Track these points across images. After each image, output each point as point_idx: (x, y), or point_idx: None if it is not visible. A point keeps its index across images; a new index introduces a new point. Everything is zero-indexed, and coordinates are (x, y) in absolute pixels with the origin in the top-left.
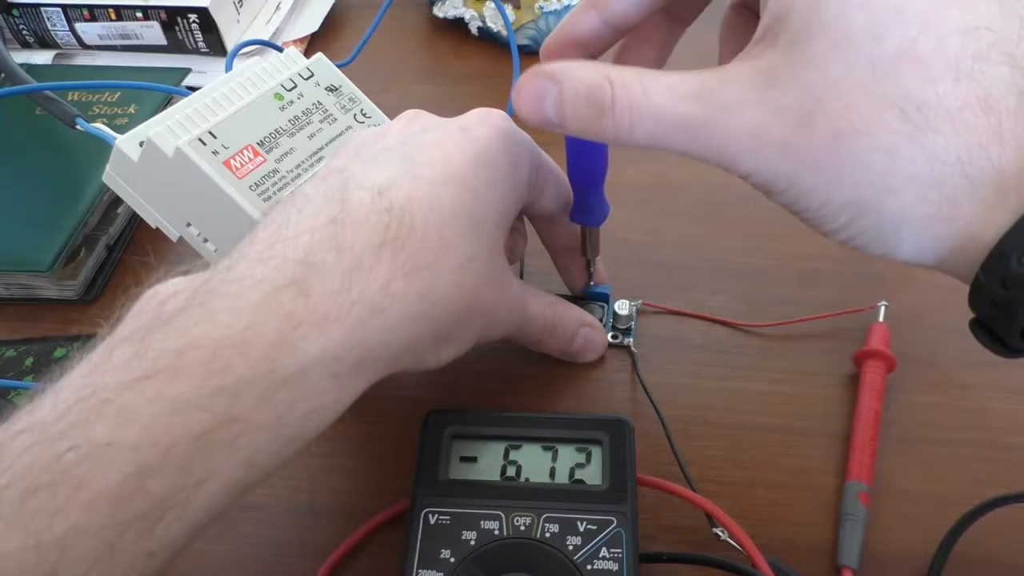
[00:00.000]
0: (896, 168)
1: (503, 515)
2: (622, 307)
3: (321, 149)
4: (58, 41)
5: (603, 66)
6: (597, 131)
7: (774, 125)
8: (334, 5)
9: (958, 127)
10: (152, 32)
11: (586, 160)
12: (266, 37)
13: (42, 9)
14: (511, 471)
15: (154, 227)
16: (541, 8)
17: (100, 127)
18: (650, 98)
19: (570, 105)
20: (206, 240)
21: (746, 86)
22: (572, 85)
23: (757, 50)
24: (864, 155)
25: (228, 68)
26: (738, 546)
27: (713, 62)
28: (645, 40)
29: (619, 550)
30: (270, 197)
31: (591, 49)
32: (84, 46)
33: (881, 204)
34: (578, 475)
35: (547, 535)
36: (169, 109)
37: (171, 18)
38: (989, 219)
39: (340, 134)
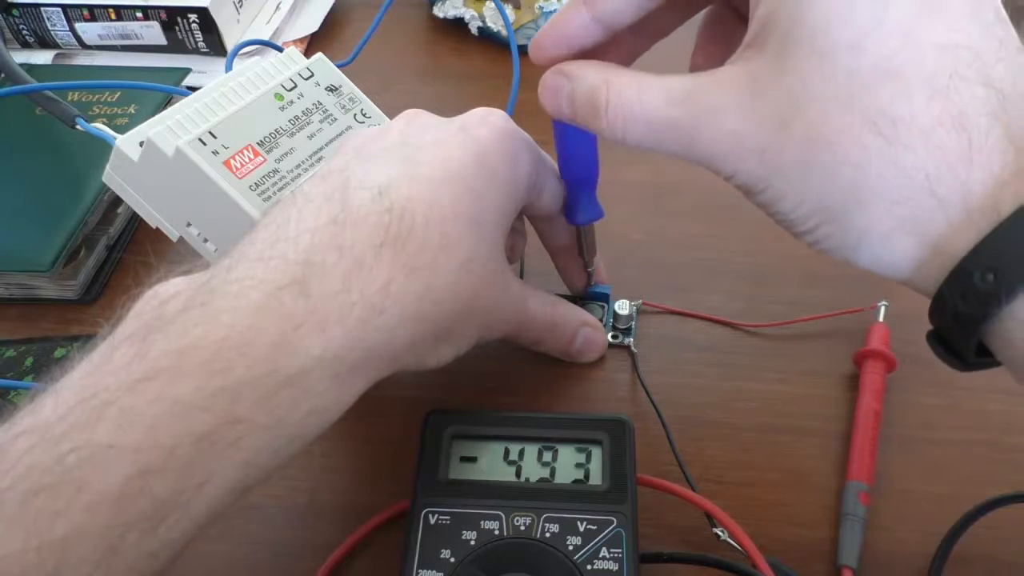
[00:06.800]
0: (864, 181)
1: (503, 515)
2: (622, 307)
3: (321, 149)
4: (58, 41)
5: (607, 68)
6: (595, 130)
7: (754, 130)
8: (334, 5)
9: (929, 145)
10: (152, 32)
11: (574, 160)
12: (266, 37)
13: (42, 9)
14: (511, 471)
15: (154, 227)
16: (541, 8)
17: (100, 127)
18: (643, 102)
19: (578, 103)
20: (206, 240)
21: (731, 91)
22: (579, 84)
23: (745, 55)
24: (834, 166)
25: (228, 68)
26: (738, 546)
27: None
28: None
29: (619, 550)
30: (270, 197)
31: (579, 46)
32: (84, 46)
33: (847, 214)
34: (578, 475)
35: (547, 535)
36: (169, 109)
37: (171, 18)
38: (954, 237)
39: (340, 134)
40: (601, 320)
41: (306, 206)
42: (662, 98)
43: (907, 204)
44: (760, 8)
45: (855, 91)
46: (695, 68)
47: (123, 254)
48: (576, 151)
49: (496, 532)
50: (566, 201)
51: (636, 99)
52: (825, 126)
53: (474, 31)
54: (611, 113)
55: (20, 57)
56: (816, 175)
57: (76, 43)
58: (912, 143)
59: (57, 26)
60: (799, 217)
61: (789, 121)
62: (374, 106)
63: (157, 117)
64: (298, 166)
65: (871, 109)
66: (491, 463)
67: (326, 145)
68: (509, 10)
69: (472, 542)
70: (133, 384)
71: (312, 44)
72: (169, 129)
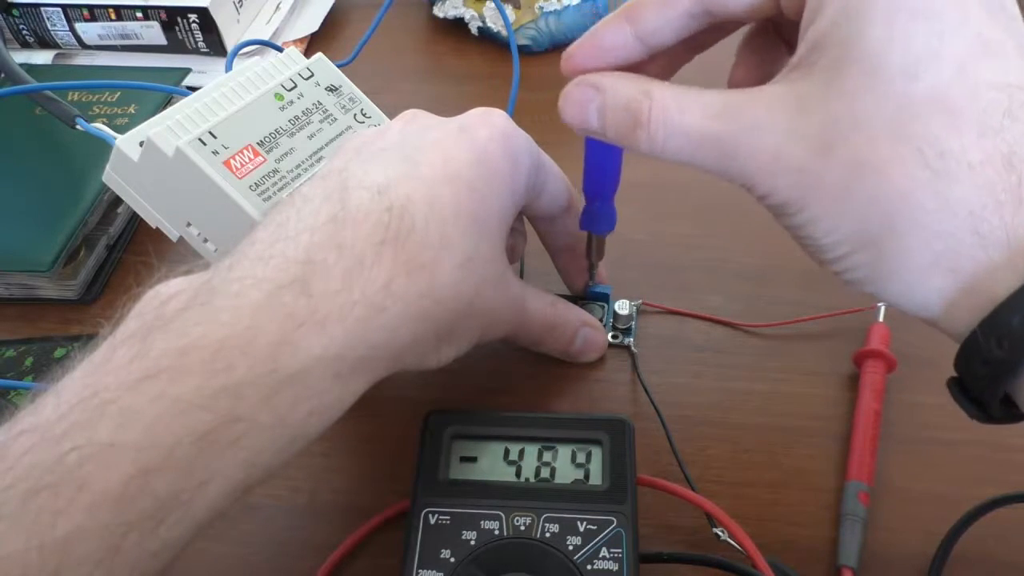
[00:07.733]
0: (905, 211)
1: (503, 515)
2: (622, 307)
3: (321, 149)
4: (58, 41)
5: (644, 80)
6: (632, 142)
7: (795, 150)
8: (334, 5)
9: (977, 181)
10: (152, 32)
11: (603, 172)
12: (266, 37)
13: (42, 9)
14: (511, 471)
15: (154, 227)
16: (541, 8)
17: (100, 127)
18: (683, 115)
19: (610, 115)
20: (206, 240)
21: (774, 109)
22: (613, 96)
23: (793, 76)
24: (876, 193)
25: (228, 68)
26: (738, 546)
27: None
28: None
29: (619, 550)
30: (270, 197)
31: (617, 62)
32: (84, 46)
33: (882, 244)
34: (578, 475)
35: (547, 535)
36: (169, 109)
37: (171, 18)
38: (994, 277)
39: (340, 134)
40: (601, 320)
41: (305, 206)
42: (703, 111)
43: (947, 239)
44: (812, 29)
45: (906, 119)
46: (733, 84)
47: (123, 254)
48: (605, 164)
49: (496, 532)
50: (584, 211)
51: (676, 112)
52: (871, 151)
53: (474, 31)
54: (652, 125)
55: (20, 57)
56: (856, 200)
57: (76, 43)
58: (959, 177)
59: (57, 26)
60: (831, 243)
61: (833, 143)
62: (374, 106)
63: (157, 117)
64: (298, 166)
65: (920, 138)
66: (491, 463)
67: (326, 145)
68: (509, 10)
69: (472, 542)
70: (134, 383)
71: (312, 44)
72: (169, 129)
